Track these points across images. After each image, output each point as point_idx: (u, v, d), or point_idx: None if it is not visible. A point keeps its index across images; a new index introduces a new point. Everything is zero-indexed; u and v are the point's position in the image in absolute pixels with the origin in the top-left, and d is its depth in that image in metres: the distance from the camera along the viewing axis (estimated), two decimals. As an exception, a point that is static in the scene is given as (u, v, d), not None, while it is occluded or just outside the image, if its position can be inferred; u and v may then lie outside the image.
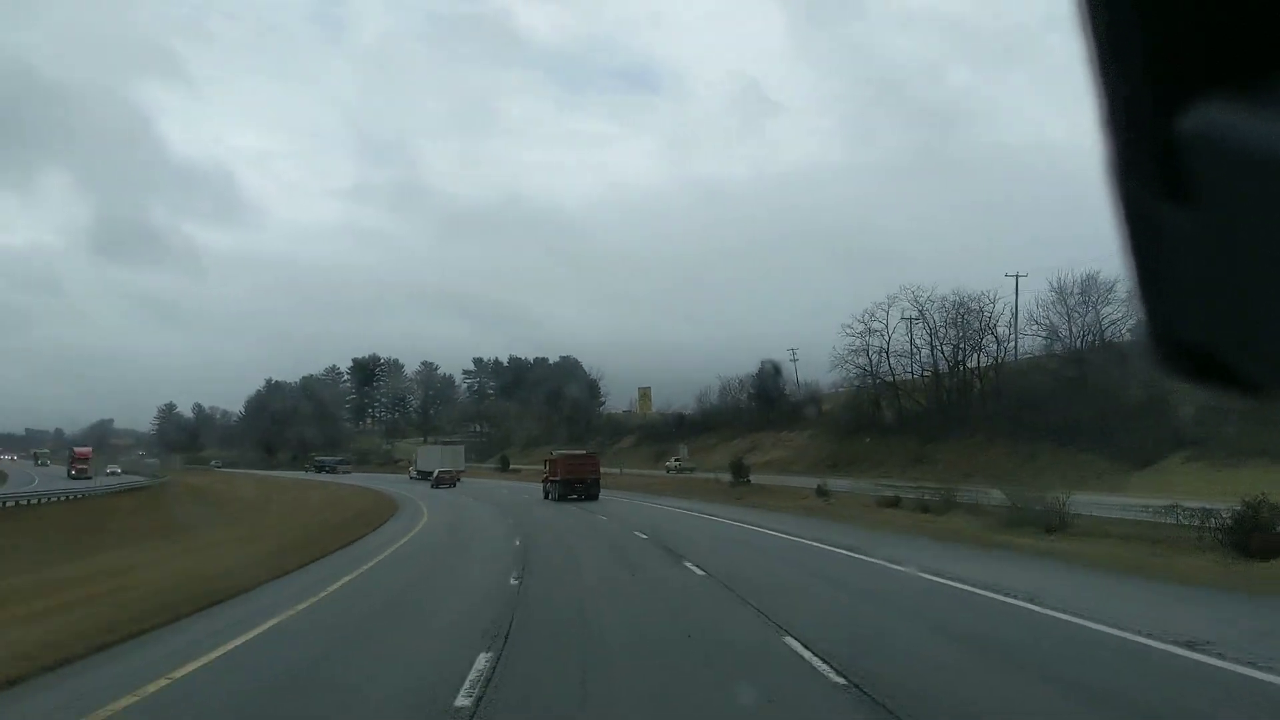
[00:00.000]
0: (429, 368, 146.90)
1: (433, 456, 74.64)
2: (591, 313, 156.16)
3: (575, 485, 42.98)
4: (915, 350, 60.83)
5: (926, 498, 32.39)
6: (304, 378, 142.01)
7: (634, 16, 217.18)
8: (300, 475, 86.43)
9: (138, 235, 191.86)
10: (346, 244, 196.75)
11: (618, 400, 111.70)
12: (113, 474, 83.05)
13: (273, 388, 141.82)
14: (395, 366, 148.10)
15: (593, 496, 42.54)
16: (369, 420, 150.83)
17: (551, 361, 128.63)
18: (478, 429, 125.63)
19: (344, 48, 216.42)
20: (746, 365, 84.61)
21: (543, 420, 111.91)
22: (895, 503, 33.99)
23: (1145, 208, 0.77)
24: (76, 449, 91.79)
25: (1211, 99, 0.70)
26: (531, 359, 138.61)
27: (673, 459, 75.40)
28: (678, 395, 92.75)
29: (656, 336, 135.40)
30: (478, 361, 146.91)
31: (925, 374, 60.54)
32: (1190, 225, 0.73)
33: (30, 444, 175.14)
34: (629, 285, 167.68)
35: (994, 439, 49.74)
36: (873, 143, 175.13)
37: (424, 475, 68.51)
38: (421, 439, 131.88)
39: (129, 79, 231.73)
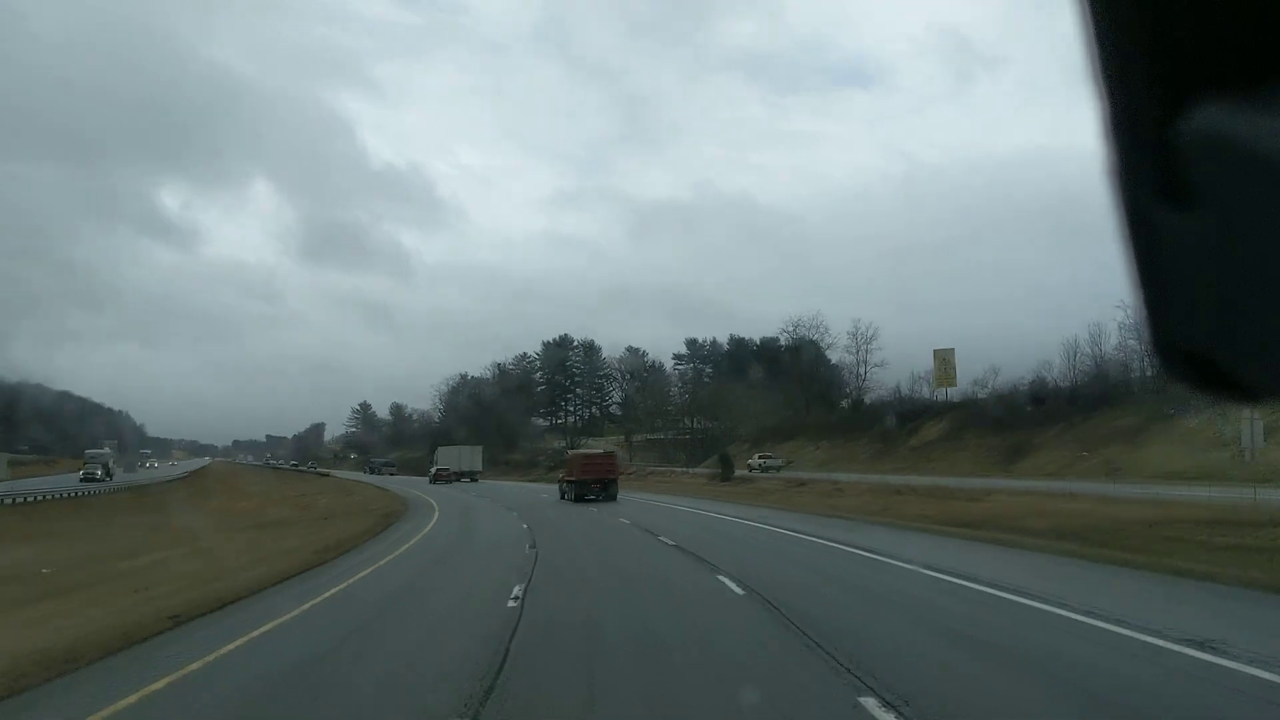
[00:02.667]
0: (635, 353, 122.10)
1: (452, 456, 77.92)
2: (808, 301, 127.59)
3: (592, 485, 41.58)
4: None
5: None
6: (492, 365, 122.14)
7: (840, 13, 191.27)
8: (360, 476, 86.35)
9: (349, 244, 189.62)
10: (548, 247, 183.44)
11: (885, 378, 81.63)
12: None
13: (465, 384, 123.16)
14: (591, 348, 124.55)
15: (611, 497, 41.11)
16: (564, 417, 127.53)
17: (783, 343, 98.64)
18: (689, 423, 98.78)
19: (555, 61, 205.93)
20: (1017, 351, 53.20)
21: (785, 407, 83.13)
22: None
23: (1147, 213, 0.74)
24: None
25: (1213, 103, 0.67)
26: (758, 339, 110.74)
27: (756, 456, 59.91)
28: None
29: (886, 323, 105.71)
30: (691, 344, 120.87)
31: None
32: (1192, 230, 0.71)
33: (266, 450, 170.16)
34: (850, 274, 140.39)
35: None
36: (1075, 116, 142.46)
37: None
38: (622, 436, 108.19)
39: (338, 93, 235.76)
